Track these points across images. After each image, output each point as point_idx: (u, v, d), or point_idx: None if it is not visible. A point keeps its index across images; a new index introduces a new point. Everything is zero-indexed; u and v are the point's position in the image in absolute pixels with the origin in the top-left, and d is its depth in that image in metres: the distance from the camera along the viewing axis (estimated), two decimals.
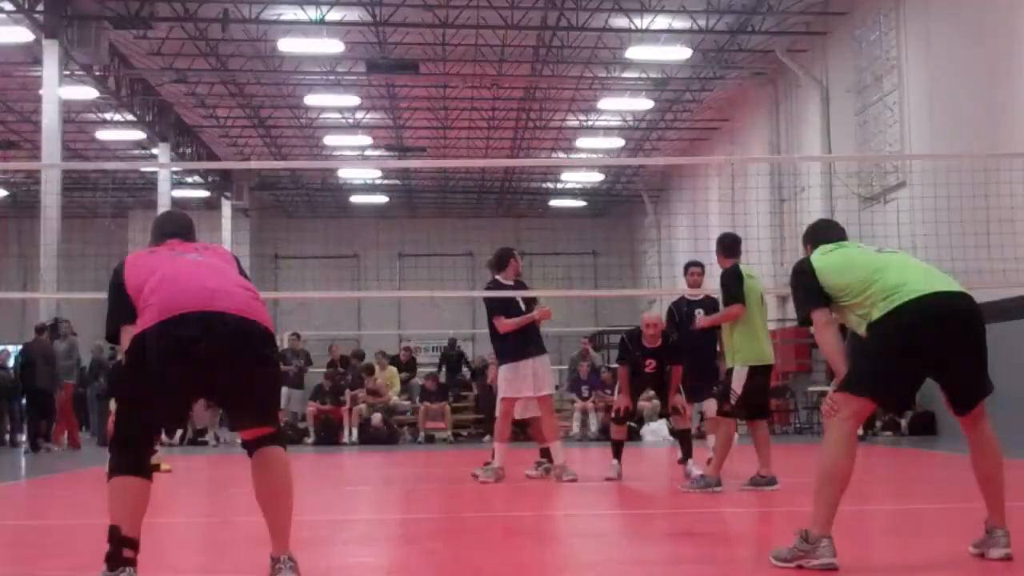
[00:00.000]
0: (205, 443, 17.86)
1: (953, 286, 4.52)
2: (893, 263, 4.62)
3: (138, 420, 4.03)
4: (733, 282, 8.14)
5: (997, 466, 4.57)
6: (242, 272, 4.41)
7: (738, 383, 7.98)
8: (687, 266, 10.04)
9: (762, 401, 8.30)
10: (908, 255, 4.75)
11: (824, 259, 4.75)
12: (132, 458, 3.97)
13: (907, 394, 5.06)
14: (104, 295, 4.36)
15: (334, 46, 20.88)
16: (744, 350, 8.03)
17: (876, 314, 4.44)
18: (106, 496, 3.92)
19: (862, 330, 4.51)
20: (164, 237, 4.52)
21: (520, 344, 9.10)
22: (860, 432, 15.30)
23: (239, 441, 4.18)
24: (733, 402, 8.00)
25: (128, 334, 4.11)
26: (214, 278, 4.16)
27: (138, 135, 26.76)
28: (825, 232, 5.08)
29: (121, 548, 3.84)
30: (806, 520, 4.39)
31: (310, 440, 17.44)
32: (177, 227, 4.61)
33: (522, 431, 17.14)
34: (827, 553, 4.29)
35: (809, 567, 4.29)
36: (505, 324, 9.13)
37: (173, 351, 3.95)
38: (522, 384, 9.06)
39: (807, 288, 4.73)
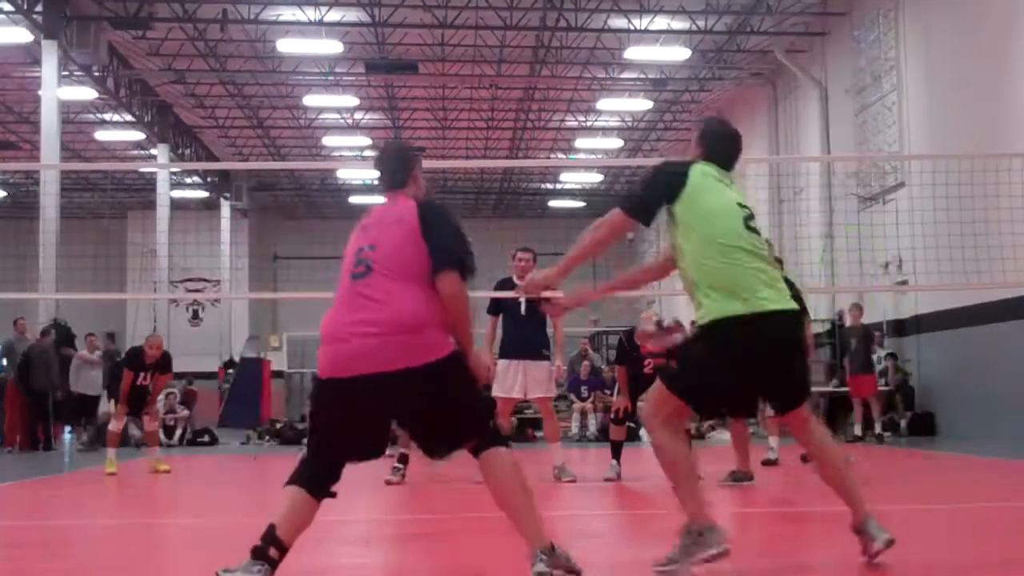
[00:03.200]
0: (205, 443, 17.84)
1: (784, 301, 4.33)
2: (745, 253, 4.30)
3: (320, 444, 4.08)
4: None
5: (841, 464, 4.46)
6: (434, 239, 4.03)
7: None
8: None
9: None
10: (761, 243, 4.40)
11: (703, 183, 4.40)
12: (309, 472, 4.03)
13: (727, 407, 4.79)
14: (103, 295, 4.37)
15: (333, 47, 20.87)
16: None
17: (707, 309, 4.25)
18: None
19: (686, 266, 4.34)
20: (383, 185, 4.30)
21: (511, 344, 9.19)
22: (859, 432, 15.37)
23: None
24: None
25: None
26: (358, 309, 4.01)
27: (137, 135, 26.75)
28: (721, 145, 4.70)
29: (269, 546, 3.89)
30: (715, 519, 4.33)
31: None
32: (387, 175, 4.30)
33: (522, 431, 17.24)
34: (714, 540, 4.18)
35: (703, 559, 4.19)
36: (488, 324, 9.45)
37: (329, 411, 4.03)
38: (512, 384, 9.10)
39: (653, 188, 4.42)
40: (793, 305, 4.36)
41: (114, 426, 11.33)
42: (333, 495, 4.07)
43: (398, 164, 4.32)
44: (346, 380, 3.94)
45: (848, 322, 15.78)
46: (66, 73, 19.75)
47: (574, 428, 17.87)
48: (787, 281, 8.46)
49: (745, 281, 4.24)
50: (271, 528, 3.91)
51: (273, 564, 3.88)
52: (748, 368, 4.24)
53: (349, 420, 4.00)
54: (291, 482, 4.02)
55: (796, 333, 4.42)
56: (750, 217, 4.42)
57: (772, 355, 4.28)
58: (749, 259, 4.29)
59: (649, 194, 4.42)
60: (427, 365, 3.92)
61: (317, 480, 4.02)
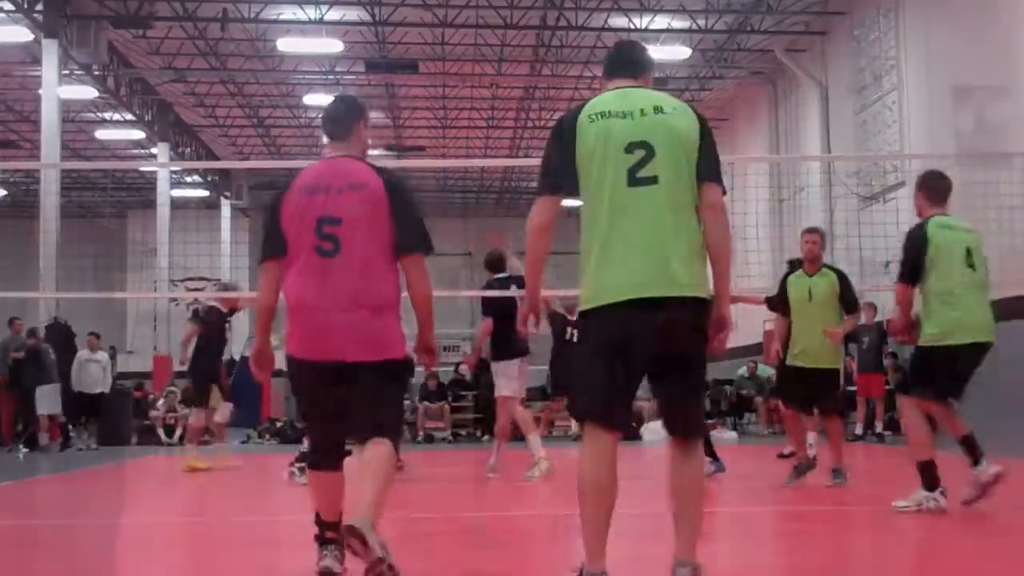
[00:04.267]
0: (205, 442, 17.79)
1: (671, 286, 3.52)
2: (628, 213, 3.56)
3: (314, 428, 4.33)
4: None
5: (689, 503, 3.75)
6: (403, 220, 4.03)
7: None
8: None
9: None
10: (655, 195, 3.56)
11: (592, 119, 3.62)
12: (317, 456, 4.26)
13: (624, 399, 3.70)
14: (103, 295, 4.43)
15: (333, 46, 20.89)
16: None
17: (586, 284, 3.60)
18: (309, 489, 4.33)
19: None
20: (325, 135, 4.27)
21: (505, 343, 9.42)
22: (860, 432, 15.35)
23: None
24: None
25: (267, 274, 4.19)
26: (334, 293, 4.02)
27: (137, 134, 26.76)
28: (618, 54, 3.85)
29: (324, 531, 4.18)
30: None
31: None
32: (328, 121, 4.22)
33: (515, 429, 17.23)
34: None
35: None
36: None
37: (306, 392, 4.22)
38: (517, 383, 9.43)
39: (559, 149, 3.73)
40: (672, 291, 3.55)
41: (195, 419, 11.00)
42: (348, 453, 4.28)
43: (341, 114, 4.27)
44: (322, 364, 4.08)
45: (862, 319, 15.79)
46: (66, 72, 19.76)
47: (575, 427, 17.87)
48: (839, 272, 8.60)
49: (616, 253, 3.68)
50: (317, 515, 4.22)
51: (338, 543, 4.10)
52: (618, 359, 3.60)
53: (327, 401, 4.17)
54: (309, 467, 4.27)
55: (665, 327, 3.56)
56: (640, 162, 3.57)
57: (636, 348, 3.60)
58: (623, 228, 3.69)
59: (555, 152, 3.78)
60: (388, 362, 4.09)
61: (327, 455, 4.22)
